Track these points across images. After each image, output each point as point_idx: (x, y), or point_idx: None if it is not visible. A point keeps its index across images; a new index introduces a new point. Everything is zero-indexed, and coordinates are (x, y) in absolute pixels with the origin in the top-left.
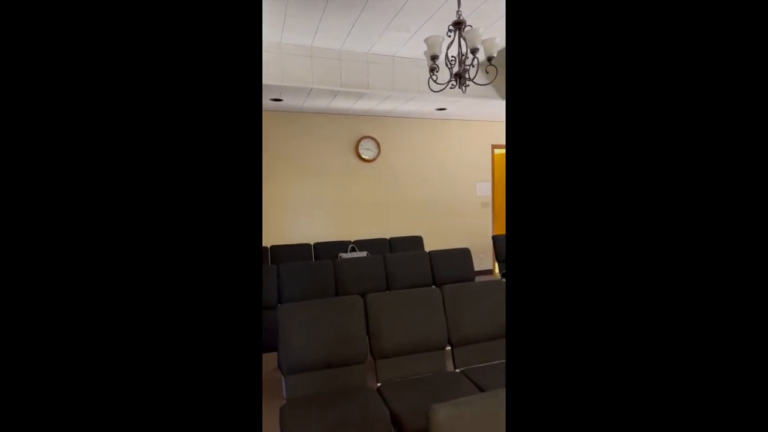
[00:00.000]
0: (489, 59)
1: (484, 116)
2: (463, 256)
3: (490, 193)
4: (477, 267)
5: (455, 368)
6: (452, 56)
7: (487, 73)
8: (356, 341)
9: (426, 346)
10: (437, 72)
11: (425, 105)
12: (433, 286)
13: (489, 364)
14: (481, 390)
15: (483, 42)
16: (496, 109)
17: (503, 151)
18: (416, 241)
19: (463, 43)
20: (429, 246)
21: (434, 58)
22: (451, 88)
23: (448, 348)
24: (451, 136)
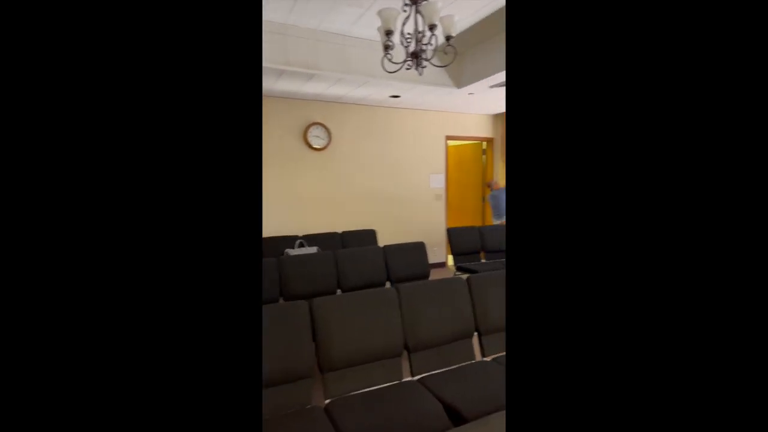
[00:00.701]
0: (447, 39)
1: (438, 106)
2: (418, 250)
3: (443, 186)
4: (430, 260)
5: (412, 376)
6: (408, 33)
7: (446, 54)
8: (301, 354)
9: (381, 354)
10: (392, 50)
11: (379, 91)
12: (388, 284)
13: (447, 369)
14: (442, 401)
15: (441, 19)
16: (451, 98)
17: (457, 143)
18: (369, 235)
19: (419, 20)
20: (382, 239)
21: (389, 33)
22: (407, 68)
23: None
24: (405, 126)
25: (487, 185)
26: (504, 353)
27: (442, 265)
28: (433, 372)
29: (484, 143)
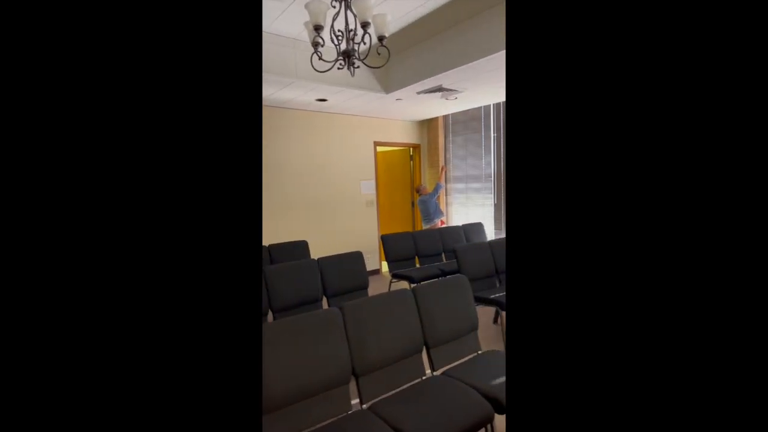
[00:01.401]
0: (380, 39)
1: (366, 111)
2: (355, 261)
3: (374, 192)
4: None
5: (362, 404)
6: (339, 31)
7: (379, 54)
8: None
9: (325, 386)
10: (322, 47)
11: (305, 94)
12: (325, 300)
13: (397, 391)
14: (398, 431)
15: (374, 18)
16: (379, 104)
17: (386, 149)
18: (300, 247)
19: (351, 17)
20: (315, 250)
21: (318, 29)
22: (338, 68)
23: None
24: (333, 131)
25: (416, 191)
26: (453, 364)
27: (377, 272)
28: (384, 396)
29: (411, 149)
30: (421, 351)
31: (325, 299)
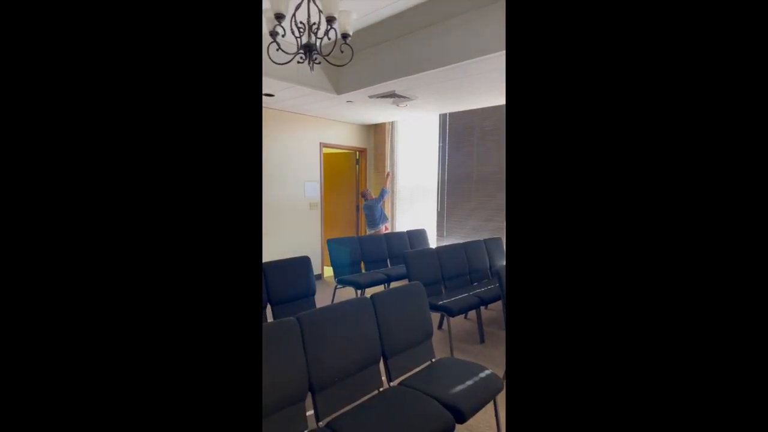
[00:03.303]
0: (344, 36)
1: (313, 111)
2: (302, 267)
3: (318, 194)
4: None
5: (318, 422)
6: (301, 22)
7: (342, 52)
8: None
9: (283, 402)
10: (283, 37)
11: None
12: (269, 309)
13: (354, 405)
14: None
15: (339, 13)
16: (328, 104)
17: (332, 150)
18: None
19: (314, 10)
20: None
21: (279, 17)
22: (298, 62)
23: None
24: (278, 129)
25: (362, 195)
26: (409, 374)
27: (318, 277)
28: (340, 412)
29: (357, 153)
30: (378, 362)
31: (269, 307)
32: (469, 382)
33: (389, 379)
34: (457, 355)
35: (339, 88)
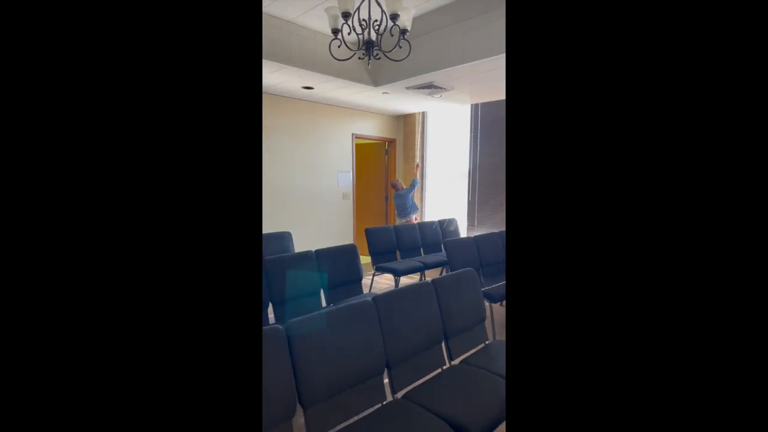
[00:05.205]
0: (403, 33)
1: (348, 103)
2: (350, 254)
3: (351, 184)
4: None
5: (394, 394)
6: (363, 20)
7: (400, 47)
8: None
9: (364, 375)
10: (348, 35)
11: (291, 80)
12: (321, 294)
13: (425, 380)
14: (442, 417)
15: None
16: (363, 96)
17: (363, 141)
18: (284, 239)
19: (375, 7)
20: (296, 242)
21: (346, 16)
22: (360, 58)
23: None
24: (315, 121)
25: (392, 185)
26: (467, 354)
27: None
28: (415, 385)
29: (386, 144)
30: (441, 342)
31: (322, 292)
32: None
33: (450, 358)
34: (500, 339)
35: (377, 80)
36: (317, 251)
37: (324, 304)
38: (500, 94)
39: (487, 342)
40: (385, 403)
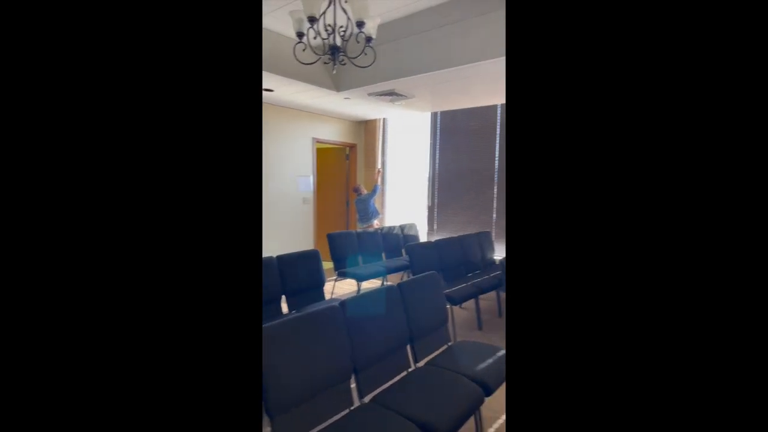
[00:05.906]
0: (368, 40)
1: (308, 107)
2: (312, 259)
3: (311, 189)
4: None
5: (361, 398)
6: (328, 25)
7: (366, 54)
8: None
9: (330, 381)
10: (312, 39)
11: None
12: (284, 299)
13: (391, 383)
14: (411, 419)
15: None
16: (324, 100)
17: (323, 146)
18: None
19: (340, 13)
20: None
21: (312, 20)
22: (325, 63)
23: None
24: (275, 124)
25: (353, 190)
26: (433, 355)
27: None
28: (382, 388)
29: (347, 149)
30: (406, 345)
31: (284, 298)
32: (490, 360)
33: (415, 360)
34: (460, 339)
35: (339, 85)
36: (279, 257)
37: (286, 310)
38: (460, 104)
39: (449, 343)
40: (353, 408)
